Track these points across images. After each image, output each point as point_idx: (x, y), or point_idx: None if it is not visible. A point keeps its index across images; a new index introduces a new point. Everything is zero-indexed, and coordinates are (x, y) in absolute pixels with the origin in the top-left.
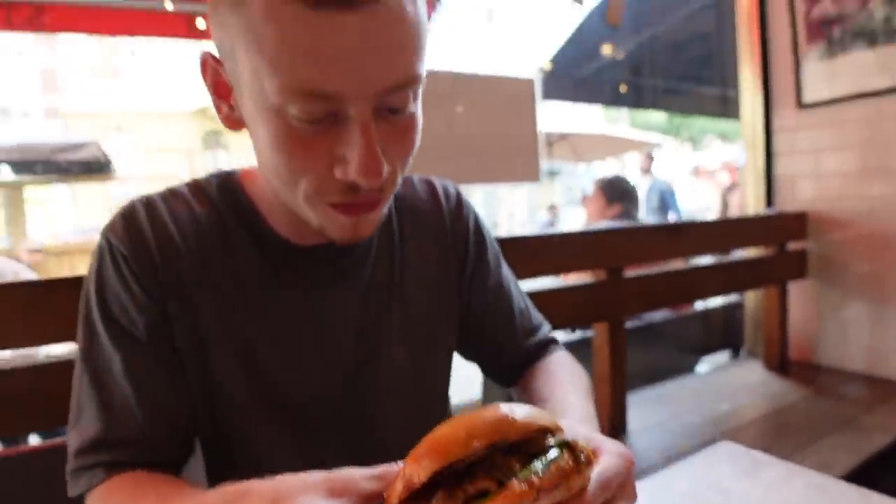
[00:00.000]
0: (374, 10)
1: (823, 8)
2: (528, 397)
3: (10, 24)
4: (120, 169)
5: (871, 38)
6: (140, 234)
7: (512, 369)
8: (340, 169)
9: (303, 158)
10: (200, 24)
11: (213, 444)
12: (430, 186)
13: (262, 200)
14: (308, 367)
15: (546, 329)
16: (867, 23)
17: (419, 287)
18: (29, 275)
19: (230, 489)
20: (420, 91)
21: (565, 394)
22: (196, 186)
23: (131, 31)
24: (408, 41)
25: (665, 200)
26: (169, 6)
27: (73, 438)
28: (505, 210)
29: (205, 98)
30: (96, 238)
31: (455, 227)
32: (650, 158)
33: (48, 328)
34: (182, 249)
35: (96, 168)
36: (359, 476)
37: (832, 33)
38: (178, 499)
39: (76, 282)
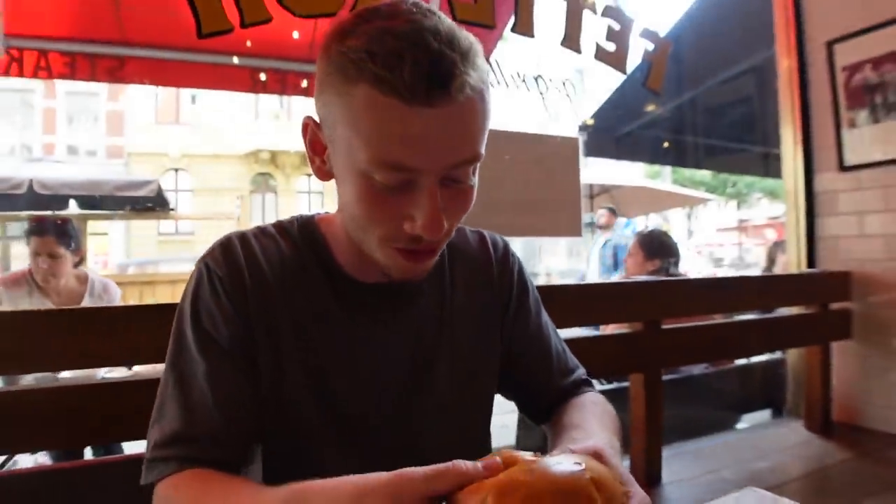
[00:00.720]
0: (454, 107)
1: (864, 75)
2: (558, 429)
3: (94, 76)
4: (175, 207)
5: None
6: (235, 260)
7: (547, 407)
8: (409, 224)
9: (380, 212)
10: (262, 77)
11: (276, 451)
12: (481, 237)
13: (335, 242)
14: (367, 388)
15: (581, 371)
16: None
17: (466, 326)
18: (115, 288)
19: (297, 488)
20: (478, 164)
21: (593, 425)
22: (281, 227)
23: (201, 84)
24: (476, 128)
25: (619, 258)
26: (235, 60)
27: (154, 433)
28: (544, 261)
29: (256, 142)
30: (148, 271)
31: (501, 275)
32: (613, 215)
33: (130, 349)
34: (269, 278)
35: (155, 205)
36: (420, 478)
37: (874, 99)
38: (246, 494)
39: (153, 308)
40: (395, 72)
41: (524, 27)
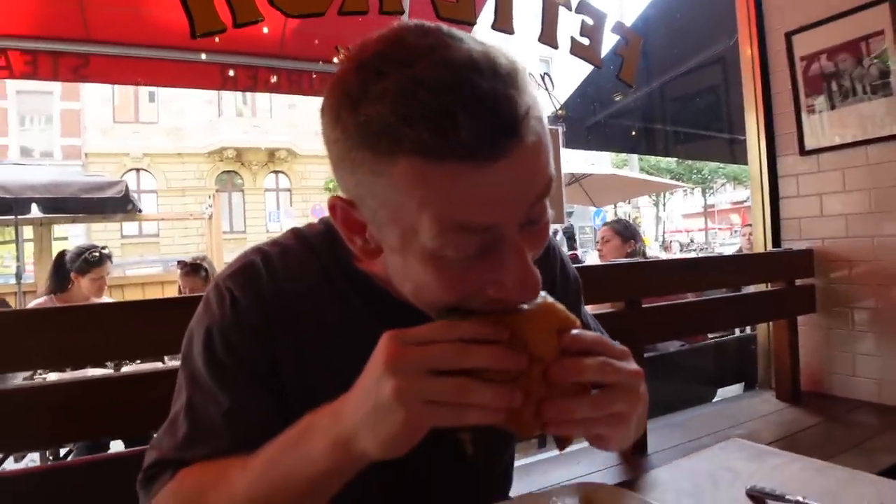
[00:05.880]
0: (520, 149)
1: (821, 64)
2: None
3: (57, 75)
4: (141, 208)
5: (867, 91)
6: (259, 286)
7: None
8: (495, 289)
9: (459, 289)
10: (231, 73)
11: None
12: None
13: None
14: None
15: None
16: (863, 78)
17: None
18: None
19: (297, 425)
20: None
21: None
22: (303, 240)
23: (169, 83)
24: (547, 156)
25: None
26: (203, 57)
27: (151, 455)
28: None
29: (220, 139)
30: (114, 274)
31: (544, 273)
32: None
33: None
34: (294, 300)
35: (123, 207)
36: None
37: (830, 87)
38: (251, 457)
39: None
40: (446, 134)
41: (504, 24)
